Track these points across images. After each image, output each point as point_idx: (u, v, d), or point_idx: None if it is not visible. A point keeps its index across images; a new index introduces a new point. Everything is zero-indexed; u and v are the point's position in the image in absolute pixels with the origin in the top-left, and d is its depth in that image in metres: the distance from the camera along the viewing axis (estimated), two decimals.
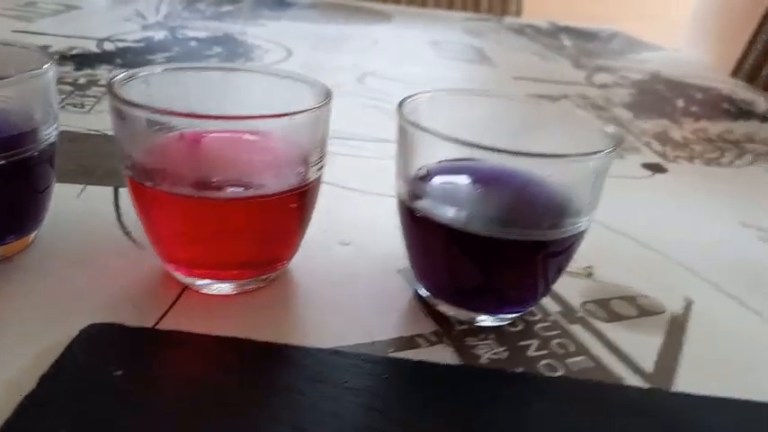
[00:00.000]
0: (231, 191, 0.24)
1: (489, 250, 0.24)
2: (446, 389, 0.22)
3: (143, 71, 0.26)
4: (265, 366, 0.22)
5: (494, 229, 0.24)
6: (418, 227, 0.26)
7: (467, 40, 0.87)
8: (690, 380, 0.25)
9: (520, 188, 0.25)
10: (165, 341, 0.23)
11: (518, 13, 1.16)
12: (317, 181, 0.27)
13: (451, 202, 0.25)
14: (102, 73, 0.55)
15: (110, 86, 0.24)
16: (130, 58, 0.60)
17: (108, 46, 0.63)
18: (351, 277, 0.29)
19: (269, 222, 0.26)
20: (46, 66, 0.26)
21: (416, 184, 0.25)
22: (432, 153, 0.25)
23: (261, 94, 0.29)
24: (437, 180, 0.26)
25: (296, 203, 0.26)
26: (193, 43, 0.69)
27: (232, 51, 0.67)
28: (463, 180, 0.26)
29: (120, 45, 0.64)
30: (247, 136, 0.26)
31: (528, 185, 0.25)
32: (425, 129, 0.24)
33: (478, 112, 0.29)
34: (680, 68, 0.83)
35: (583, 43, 0.93)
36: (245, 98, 0.29)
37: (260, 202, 0.25)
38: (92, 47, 0.62)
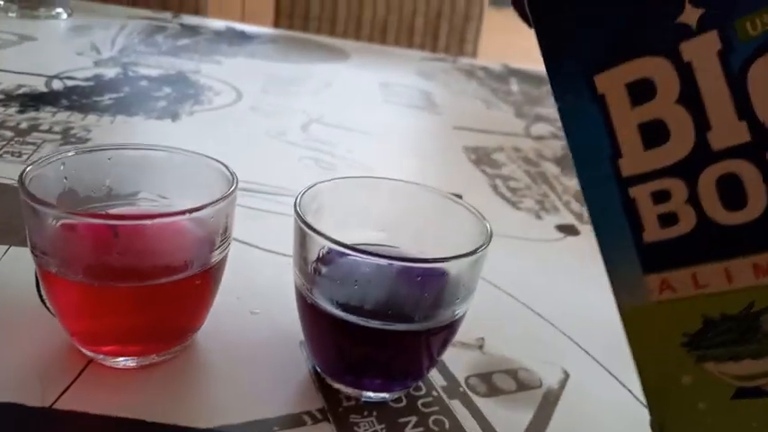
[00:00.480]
0: (131, 281, 0.26)
1: (372, 338, 0.27)
2: None
3: (57, 156, 0.28)
4: None
5: (375, 321, 0.26)
6: (310, 312, 0.28)
7: (418, 83, 0.90)
8: None
9: (401, 280, 0.28)
10: (57, 422, 0.24)
11: (474, 52, 1.20)
12: (223, 260, 0.29)
13: (337, 292, 0.27)
14: (47, 116, 0.56)
15: (20, 181, 0.25)
16: (77, 99, 0.61)
17: (56, 85, 0.64)
18: (254, 349, 0.31)
19: (173, 303, 0.28)
20: None
21: (309, 274, 0.28)
22: (323, 244, 0.27)
23: (177, 174, 0.31)
24: (328, 271, 0.28)
25: (199, 284, 0.28)
26: (144, 83, 0.70)
27: (182, 92, 0.69)
28: (350, 271, 0.28)
29: (69, 83, 0.65)
30: (151, 225, 0.28)
31: (410, 278, 0.27)
32: (310, 226, 0.26)
33: (378, 200, 0.31)
34: None
35: (530, 89, 0.97)
36: (162, 178, 0.31)
37: (161, 288, 0.27)
38: (40, 85, 0.63)
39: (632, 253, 0.19)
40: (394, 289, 0.27)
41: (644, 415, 0.31)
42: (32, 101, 0.59)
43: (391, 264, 0.26)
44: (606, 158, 0.18)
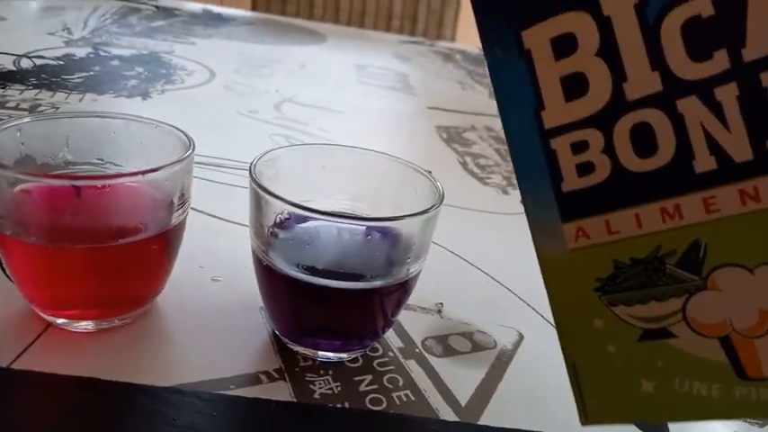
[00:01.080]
0: (88, 242, 0.27)
1: (326, 297, 0.27)
2: (267, 425, 0.25)
3: (13, 122, 0.28)
4: (104, 405, 0.24)
5: (329, 280, 0.27)
6: (266, 275, 0.28)
7: (394, 65, 0.90)
8: (496, 413, 0.28)
9: (353, 241, 0.28)
10: (15, 381, 0.25)
11: (452, 37, 1.21)
12: (181, 225, 0.30)
13: (293, 254, 0.28)
14: (14, 94, 0.55)
15: None
16: (46, 77, 0.61)
17: (25, 63, 0.64)
18: (214, 314, 0.32)
19: (130, 266, 0.28)
20: None
21: (265, 237, 0.28)
22: (279, 208, 0.28)
23: (134, 141, 0.31)
24: (283, 233, 0.29)
25: (157, 247, 0.29)
26: (115, 62, 0.70)
27: (154, 72, 0.68)
28: (305, 234, 0.29)
29: (39, 62, 0.65)
30: (108, 187, 0.29)
31: (362, 238, 0.28)
32: (266, 189, 0.26)
33: (334, 165, 0.32)
34: None
35: None
36: (119, 145, 0.32)
37: (119, 249, 0.27)
38: (8, 63, 0.63)
39: (552, 202, 0.20)
40: (347, 249, 0.28)
41: None
42: (0, 79, 0.58)
43: (344, 223, 0.27)
44: (530, 111, 0.19)
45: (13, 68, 0.62)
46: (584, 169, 0.19)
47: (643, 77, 0.17)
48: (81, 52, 0.71)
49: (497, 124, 0.71)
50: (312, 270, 0.27)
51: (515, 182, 0.56)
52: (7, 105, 0.53)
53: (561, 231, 0.20)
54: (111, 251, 0.27)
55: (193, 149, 0.29)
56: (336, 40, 1.00)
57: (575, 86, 0.18)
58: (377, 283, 0.28)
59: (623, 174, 0.18)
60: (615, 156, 0.18)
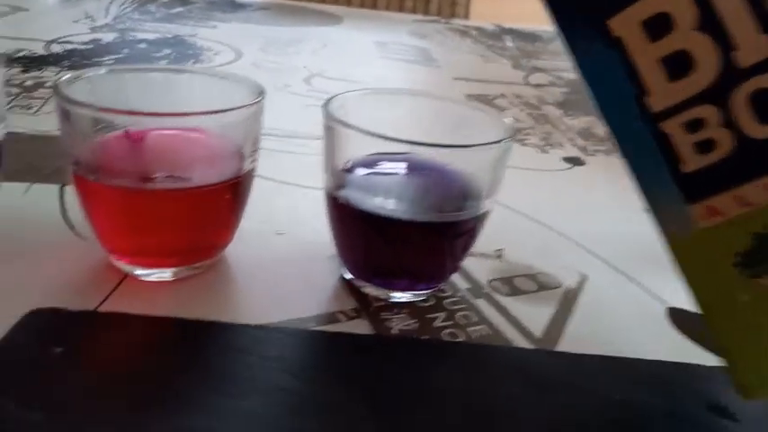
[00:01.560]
0: (168, 183, 0.27)
1: (399, 234, 0.28)
2: (354, 354, 0.25)
3: (87, 72, 0.29)
4: (191, 341, 0.25)
5: (403, 215, 0.27)
6: (340, 214, 0.29)
7: (413, 41, 0.90)
8: (572, 342, 0.28)
9: (429, 177, 0.28)
10: (102, 322, 0.25)
11: (466, 16, 1.20)
12: (251, 174, 0.30)
13: (368, 190, 0.28)
14: (50, 75, 0.56)
15: (56, 87, 0.26)
16: (78, 60, 0.61)
17: (55, 48, 0.64)
18: (283, 263, 0.32)
19: (204, 212, 0.29)
20: None
21: (339, 176, 0.29)
22: (353, 148, 0.28)
23: (201, 93, 0.32)
24: (357, 172, 0.29)
25: (230, 195, 0.29)
26: (143, 45, 0.70)
27: (182, 53, 0.69)
28: (380, 171, 0.29)
29: (68, 47, 0.65)
30: (185, 133, 0.29)
31: (436, 175, 0.28)
32: (346, 124, 0.27)
33: (400, 110, 0.32)
34: None
35: (525, 45, 0.98)
36: (186, 98, 0.32)
37: (196, 193, 0.28)
38: (39, 49, 0.63)
39: (672, 186, 0.19)
40: (422, 184, 0.28)
41: (657, 307, 0.32)
42: (34, 62, 0.59)
43: (419, 157, 0.27)
44: (631, 99, 0.19)
45: (45, 53, 0.62)
46: (704, 147, 0.18)
47: (753, 42, 0.17)
48: (108, 37, 0.71)
49: (525, 92, 0.71)
50: (385, 206, 0.27)
51: (552, 142, 0.56)
52: (46, 85, 0.53)
53: (687, 213, 0.19)
54: (189, 195, 0.27)
55: (264, 96, 0.29)
56: (353, 20, 1.00)
57: (677, 66, 0.18)
58: (451, 218, 0.28)
59: (749, 143, 0.18)
60: (737, 127, 0.18)
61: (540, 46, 0.99)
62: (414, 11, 1.21)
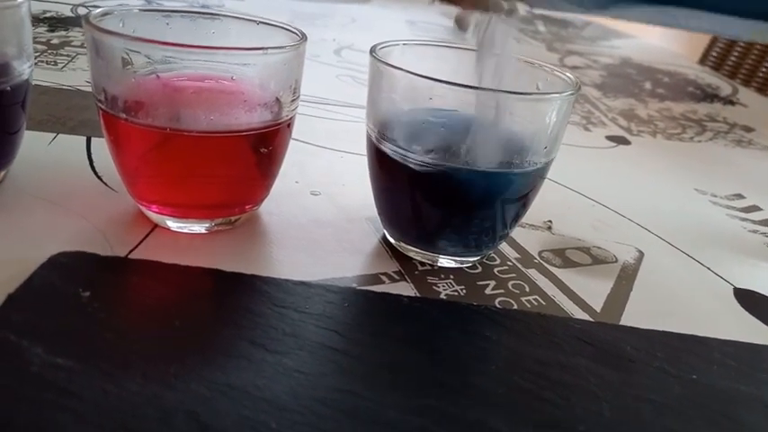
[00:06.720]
0: (201, 125, 0.25)
1: (451, 189, 0.25)
2: (403, 316, 0.23)
3: (119, 9, 0.27)
4: (228, 293, 0.23)
5: (454, 167, 0.25)
6: (384, 167, 0.27)
7: (443, 21, 0.88)
8: (635, 318, 0.26)
9: (481, 129, 0.26)
10: (133, 268, 0.23)
11: None
12: (288, 127, 0.28)
13: (416, 141, 0.26)
14: (76, 35, 0.54)
15: (86, 18, 0.24)
16: None
17: (82, 11, 0.63)
18: (320, 222, 0.30)
19: (239, 160, 0.27)
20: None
21: (383, 123, 0.26)
22: (400, 96, 0.26)
23: (236, 37, 0.30)
24: (404, 117, 0.26)
25: (267, 143, 0.27)
26: None
27: None
28: (427, 123, 0.27)
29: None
30: (218, 80, 0.27)
31: (489, 127, 0.26)
32: (398, 67, 0.25)
33: (445, 63, 0.30)
34: (650, 55, 0.85)
35: (557, 29, 0.95)
36: (220, 42, 0.30)
37: (232, 139, 0.26)
38: (66, 11, 0.62)
39: None
40: (477, 135, 0.26)
41: (724, 287, 0.30)
42: (60, 23, 0.57)
43: (466, 114, 0.25)
44: None
45: (72, 15, 0.61)
46: None
47: None
48: (134, 2, 0.70)
49: None
50: (437, 157, 0.25)
51: (595, 121, 0.54)
52: (72, 44, 0.52)
53: None
54: (224, 140, 0.25)
55: (305, 40, 0.27)
56: (381, 0, 0.98)
57: None
58: (507, 172, 0.25)
59: None
60: None
61: (573, 32, 0.96)
62: None
